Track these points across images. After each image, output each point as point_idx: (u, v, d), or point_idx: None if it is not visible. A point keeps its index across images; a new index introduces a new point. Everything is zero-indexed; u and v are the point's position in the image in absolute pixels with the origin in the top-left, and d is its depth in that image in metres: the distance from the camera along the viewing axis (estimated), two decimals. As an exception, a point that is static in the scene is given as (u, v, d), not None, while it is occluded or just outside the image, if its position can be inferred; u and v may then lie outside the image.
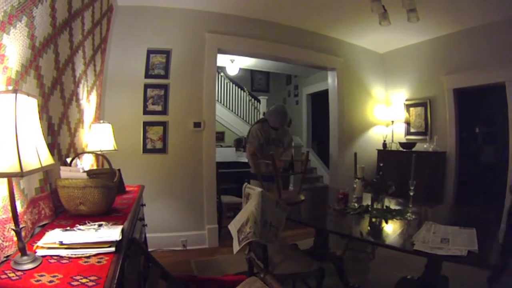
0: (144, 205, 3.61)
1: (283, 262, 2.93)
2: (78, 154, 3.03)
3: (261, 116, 10.55)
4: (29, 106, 1.47)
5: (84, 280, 1.39)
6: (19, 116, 1.35)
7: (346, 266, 3.64)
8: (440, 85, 6.27)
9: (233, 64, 8.74)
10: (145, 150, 4.87)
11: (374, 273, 4.17)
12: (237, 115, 10.86)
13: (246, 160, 5.48)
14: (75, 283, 1.37)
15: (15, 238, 1.68)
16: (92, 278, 1.41)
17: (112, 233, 1.80)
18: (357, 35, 6.49)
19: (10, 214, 1.66)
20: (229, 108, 10.49)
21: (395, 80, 7.30)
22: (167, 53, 4.97)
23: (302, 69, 9.69)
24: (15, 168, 1.31)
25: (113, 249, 1.69)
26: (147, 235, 3.83)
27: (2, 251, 1.60)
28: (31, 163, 1.40)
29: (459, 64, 5.96)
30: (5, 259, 1.59)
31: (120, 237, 1.78)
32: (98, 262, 1.58)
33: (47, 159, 1.55)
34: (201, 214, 5.16)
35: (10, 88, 1.72)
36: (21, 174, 1.32)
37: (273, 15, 5.56)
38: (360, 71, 7.13)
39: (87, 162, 3.55)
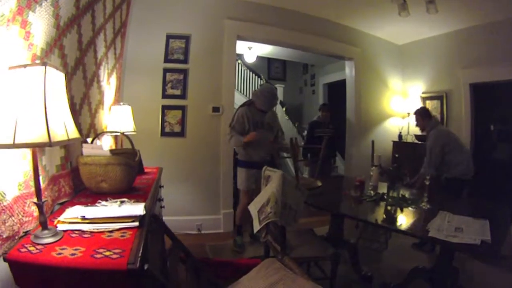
0: (162, 186, 3.65)
1: (300, 246, 2.95)
2: (98, 134, 3.05)
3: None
4: (57, 79, 1.49)
5: (107, 253, 1.40)
6: (48, 88, 1.37)
7: (359, 255, 3.66)
8: (457, 79, 6.20)
9: (251, 51, 8.71)
10: (163, 134, 4.90)
11: (387, 263, 4.17)
12: (254, 102, 10.60)
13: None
14: (98, 255, 1.38)
15: (35, 214, 1.70)
16: (116, 251, 1.42)
17: (136, 208, 1.82)
18: (375, 25, 6.43)
19: (31, 189, 1.68)
20: (246, 95, 10.40)
21: (412, 72, 7.25)
22: (186, 38, 4.96)
23: (318, 59, 9.62)
24: (44, 138, 1.33)
25: (136, 223, 1.70)
26: (163, 218, 3.86)
27: (21, 226, 1.61)
28: (58, 134, 1.41)
29: (476, 58, 5.89)
30: (24, 234, 1.61)
31: (144, 212, 1.80)
32: (122, 236, 1.60)
33: (74, 132, 1.57)
34: (217, 199, 5.19)
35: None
36: (50, 144, 1.34)
37: (292, 3, 5.54)
38: (378, 62, 7.08)
39: (106, 144, 3.58)
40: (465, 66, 6.06)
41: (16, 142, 1.30)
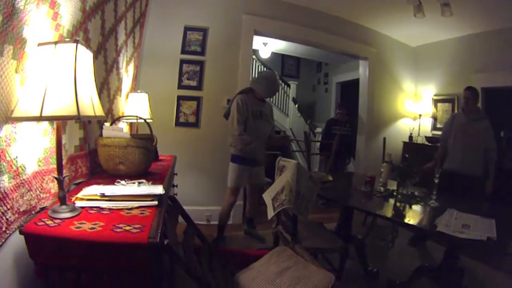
0: (176, 174, 3.69)
1: (310, 237, 2.97)
2: (115, 119, 3.10)
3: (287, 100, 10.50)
4: (86, 57, 1.53)
5: (127, 228, 1.43)
6: (78, 64, 1.40)
7: (366, 251, 3.70)
8: (469, 83, 6.07)
9: (266, 47, 8.71)
10: (178, 123, 4.95)
11: (393, 261, 4.20)
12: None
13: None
14: (118, 230, 1.41)
15: (52, 191, 1.74)
16: (137, 226, 1.45)
17: (155, 188, 1.85)
18: (390, 26, 6.42)
19: (51, 166, 1.72)
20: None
21: (425, 74, 7.23)
22: (204, 31, 4.99)
23: (332, 57, 9.59)
24: (73, 111, 1.36)
25: (156, 202, 1.74)
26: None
27: (39, 201, 1.64)
28: (86, 109, 1.45)
29: (489, 63, 5.85)
30: (40, 209, 1.63)
31: (164, 192, 1.83)
32: (141, 213, 1.63)
33: (99, 110, 1.61)
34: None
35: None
36: (78, 117, 1.36)
37: (310, 0, 5.57)
38: (392, 62, 7.07)
39: (122, 130, 3.62)
40: (477, 70, 6.02)
41: (43, 114, 1.33)
